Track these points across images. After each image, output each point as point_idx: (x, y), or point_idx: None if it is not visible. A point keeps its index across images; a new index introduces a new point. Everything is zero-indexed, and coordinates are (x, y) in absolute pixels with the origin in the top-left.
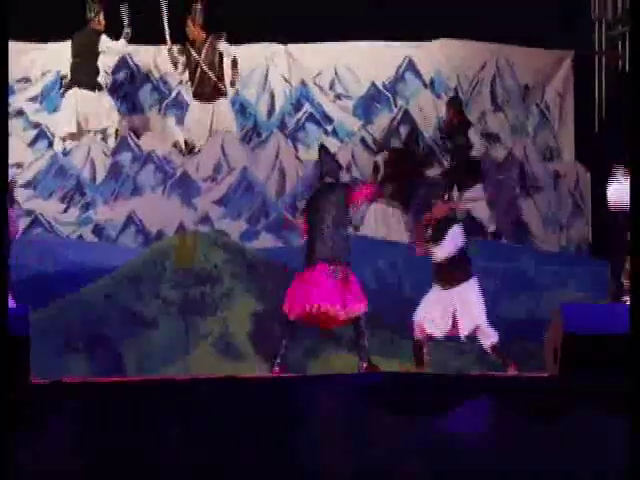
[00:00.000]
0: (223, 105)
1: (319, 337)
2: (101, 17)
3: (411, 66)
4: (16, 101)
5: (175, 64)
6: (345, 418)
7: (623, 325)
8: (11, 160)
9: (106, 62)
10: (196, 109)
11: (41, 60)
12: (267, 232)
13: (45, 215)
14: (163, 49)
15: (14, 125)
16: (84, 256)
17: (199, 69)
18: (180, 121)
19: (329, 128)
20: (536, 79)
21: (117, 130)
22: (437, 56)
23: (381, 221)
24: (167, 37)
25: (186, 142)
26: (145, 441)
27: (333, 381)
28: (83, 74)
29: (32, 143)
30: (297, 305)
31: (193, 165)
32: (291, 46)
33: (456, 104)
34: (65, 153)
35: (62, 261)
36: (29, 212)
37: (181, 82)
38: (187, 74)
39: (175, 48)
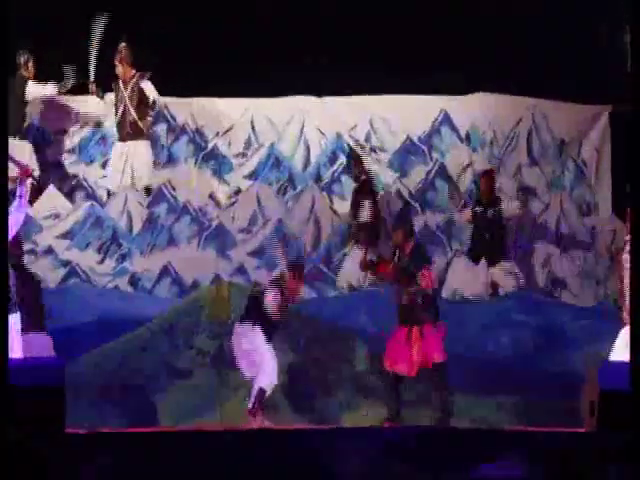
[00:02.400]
0: (141, 146)
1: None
2: (30, 65)
3: (447, 119)
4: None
5: (100, 97)
6: (374, 472)
7: None
8: (48, 211)
9: (34, 110)
10: (116, 149)
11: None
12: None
13: (81, 266)
14: (198, 101)
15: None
16: (120, 307)
17: (122, 105)
18: (215, 173)
19: None
20: (572, 134)
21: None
22: (473, 110)
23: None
24: (91, 72)
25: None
26: None
27: (365, 434)
28: (11, 122)
29: (69, 194)
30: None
31: (228, 216)
32: (326, 98)
33: (490, 177)
34: (102, 204)
35: (98, 311)
36: (66, 263)
37: (217, 134)
38: (114, 110)
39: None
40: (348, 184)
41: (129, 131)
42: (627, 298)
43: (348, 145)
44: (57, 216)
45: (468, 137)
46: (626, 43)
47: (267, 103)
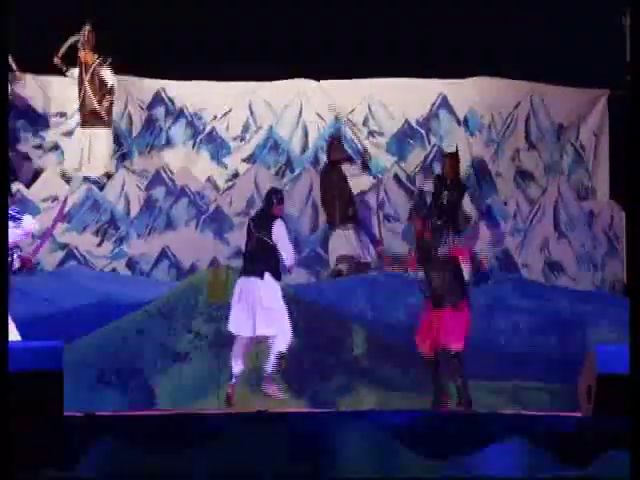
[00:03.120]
0: (101, 134)
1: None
2: None
3: (445, 103)
4: (52, 135)
5: (64, 72)
6: (375, 455)
7: None
8: (46, 193)
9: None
10: (75, 135)
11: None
12: (300, 267)
13: (79, 249)
14: (197, 84)
15: (50, 159)
16: (117, 290)
17: (82, 90)
18: (214, 156)
19: (362, 164)
20: (571, 118)
21: None
22: (471, 94)
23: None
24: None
25: (64, 173)
26: (176, 474)
27: (364, 418)
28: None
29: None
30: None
31: (226, 200)
32: (325, 82)
33: (454, 159)
34: (100, 187)
35: (96, 295)
36: (63, 245)
37: (215, 118)
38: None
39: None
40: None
41: (89, 116)
42: None
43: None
44: (55, 199)
45: (466, 121)
46: (624, 27)
47: (265, 86)
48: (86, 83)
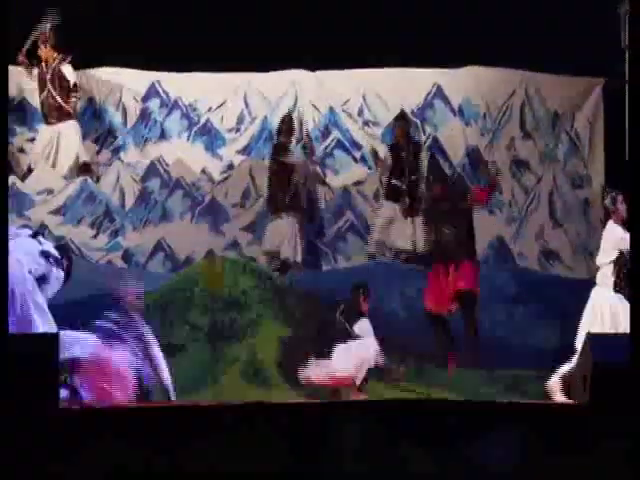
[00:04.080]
0: (69, 128)
1: None
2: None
3: (440, 93)
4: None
5: (28, 73)
6: (372, 445)
7: None
8: (42, 186)
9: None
10: (44, 132)
11: None
12: None
13: (75, 241)
14: (191, 75)
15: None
16: (113, 282)
17: (46, 89)
18: (208, 148)
19: (357, 155)
20: (566, 106)
21: None
22: (466, 83)
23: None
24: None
25: (30, 168)
26: (173, 467)
27: (361, 408)
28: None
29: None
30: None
31: (222, 191)
32: (319, 73)
33: (403, 124)
34: (95, 180)
35: (91, 287)
36: (59, 238)
37: (210, 109)
38: (39, 91)
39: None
40: (341, 158)
41: (54, 113)
42: None
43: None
44: (50, 192)
45: (461, 110)
46: (619, 15)
47: (260, 77)
48: (48, 82)
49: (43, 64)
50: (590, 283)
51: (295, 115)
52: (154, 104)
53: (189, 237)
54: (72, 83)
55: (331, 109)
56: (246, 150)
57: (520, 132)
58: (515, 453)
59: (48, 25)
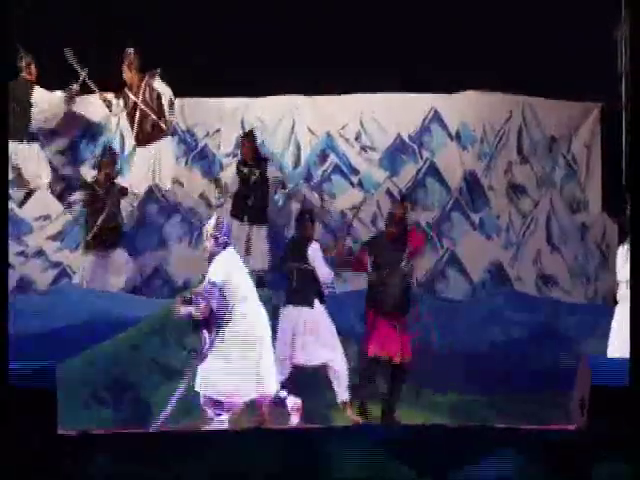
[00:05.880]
0: (165, 145)
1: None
2: (32, 67)
3: (437, 117)
4: (46, 153)
5: (109, 107)
6: (368, 470)
7: None
8: (39, 212)
9: (39, 114)
10: (139, 155)
11: None
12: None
13: (72, 267)
14: (187, 101)
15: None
16: (111, 307)
17: (138, 111)
18: (206, 173)
19: (355, 179)
20: (563, 131)
21: (50, 183)
22: (463, 107)
23: None
24: (89, 84)
25: (127, 189)
26: None
27: (357, 433)
28: (14, 125)
29: (60, 195)
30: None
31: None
32: (317, 98)
33: (250, 139)
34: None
35: (90, 312)
36: (57, 264)
37: (208, 134)
38: (126, 117)
39: (108, 94)
40: (339, 183)
41: (150, 133)
42: None
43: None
44: (47, 217)
45: (458, 135)
46: (616, 40)
47: (257, 102)
48: (139, 104)
49: (130, 88)
50: (586, 307)
51: (293, 140)
52: None
53: (187, 262)
54: (168, 97)
55: (328, 134)
56: None
57: (517, 156)
58: (514, 478)
59: (131, 49)
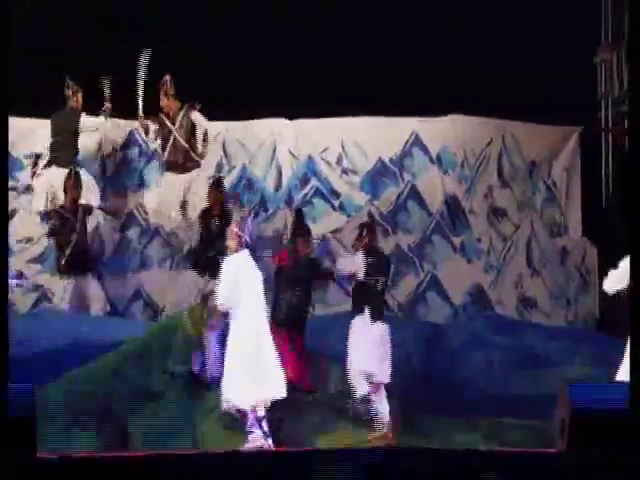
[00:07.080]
0: (199, 176)
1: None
2: (79, 96)
3: (418, 141)
4: (25, 177)
5: (146, 131)
6: None
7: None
8: (21, 235)
9: (86, 140)
10: (168, 181)
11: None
12: None
13: (53, 290)
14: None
15: (23, 200)
16: (92, 330)
17: (172, 138)
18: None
19: (336, 203)
20: (543, 155)
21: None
22: (444, 132)
23: None
24: (140, 106)
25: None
26: None
27: (337, 456)
28: (62, 153)
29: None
30: None
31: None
32: (298, 121)
33: (217, 188)
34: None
35: (70, 335)
36: (37, 287)
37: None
38: (160, 143)
39: (146, 118)
40: (320, 206)
41: (182, 162)
42: None
43: None
44: (29, 240)
45: (439, 159)
46: (595, 65)
47: (239, 126)
48: (174, 131)
49: (166, 115)
50: (567, 330)
51: (275, 163)
52: (133, 153)
53: (168, 285)
54: (204, 130)
55: (310, 157)
56: None
57: (498, 180)
58: None
59: (167, 76)
